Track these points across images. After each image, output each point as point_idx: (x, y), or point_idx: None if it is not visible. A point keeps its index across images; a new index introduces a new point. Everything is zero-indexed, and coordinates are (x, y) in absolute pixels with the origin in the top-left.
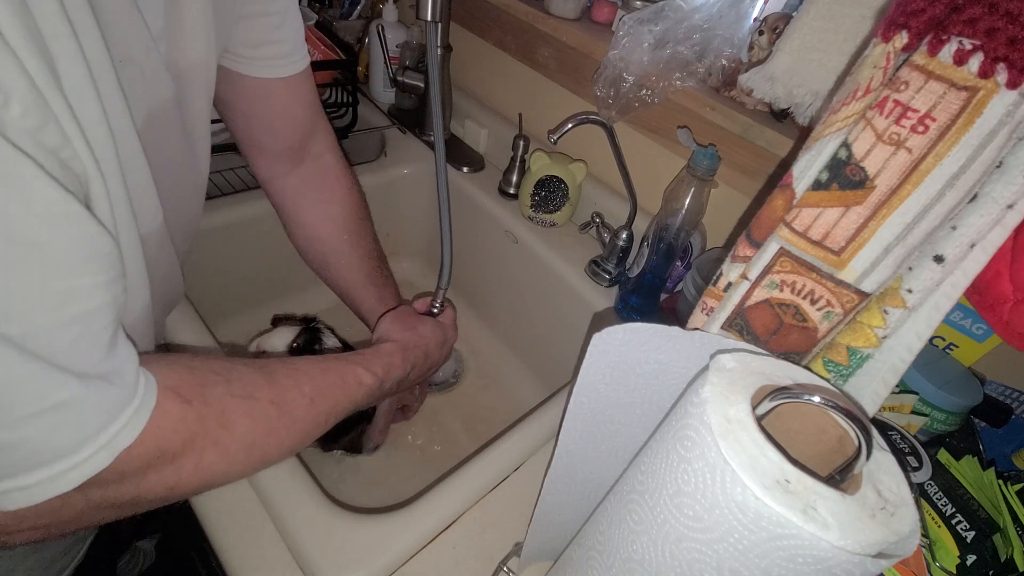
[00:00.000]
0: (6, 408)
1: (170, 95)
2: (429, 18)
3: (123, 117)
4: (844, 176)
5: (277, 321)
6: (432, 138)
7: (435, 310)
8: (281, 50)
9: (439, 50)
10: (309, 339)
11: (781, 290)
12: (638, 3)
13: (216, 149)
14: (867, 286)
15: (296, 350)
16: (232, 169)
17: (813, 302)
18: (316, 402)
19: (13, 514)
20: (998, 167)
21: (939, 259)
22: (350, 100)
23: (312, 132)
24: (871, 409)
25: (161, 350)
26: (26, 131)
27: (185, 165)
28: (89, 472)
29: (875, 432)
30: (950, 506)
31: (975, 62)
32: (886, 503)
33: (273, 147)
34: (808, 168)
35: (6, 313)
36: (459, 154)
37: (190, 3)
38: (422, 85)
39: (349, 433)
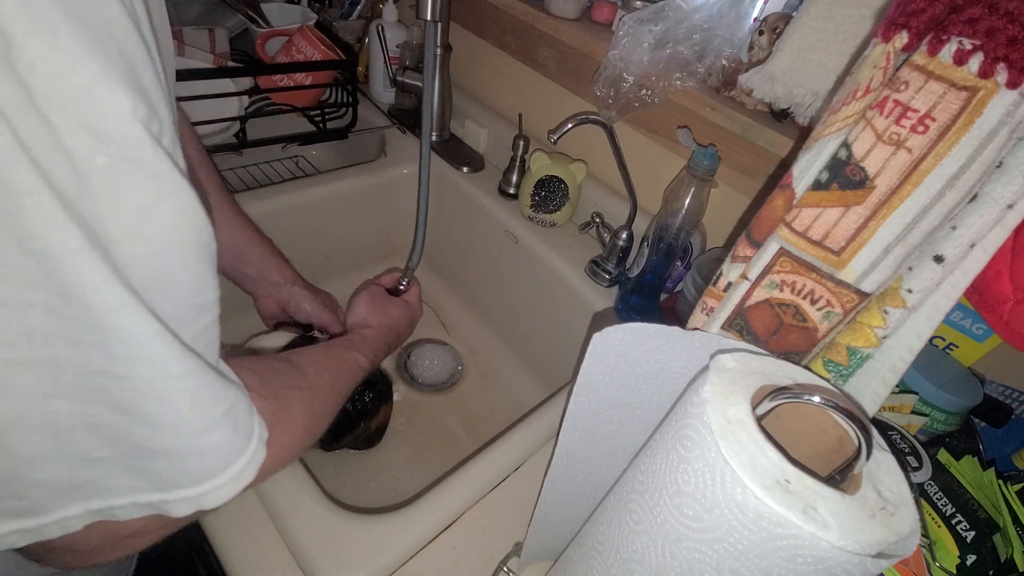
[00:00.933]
0: (207, 410)
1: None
2: (429, 17)
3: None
4: (844, 176)
5: (279, 325)
6: (432, 137)
7: (401, 287)
8: None
9: (439, 50)
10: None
11: (781, 290)
12: (638, 3)
13: (215, 149)
14: (867, 286)
15: None
16: (232, 169)
17: (813, 302)
18: (334, 386)
19: (141, 523)
20: (998, 167)
21: (939, 259)
22: (350, 100)
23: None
24: (871, 409)
25: None
26: (170, 156)
27: None
28: (258, 463)
29: (875, 432)
30: (950, 506)
31: (975, 62)
32: (886, 503)
33: None
34: (808, 168)
35: (186, 322)
36: (459, 154)
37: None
38: (422, 85)
39: (353, 431)
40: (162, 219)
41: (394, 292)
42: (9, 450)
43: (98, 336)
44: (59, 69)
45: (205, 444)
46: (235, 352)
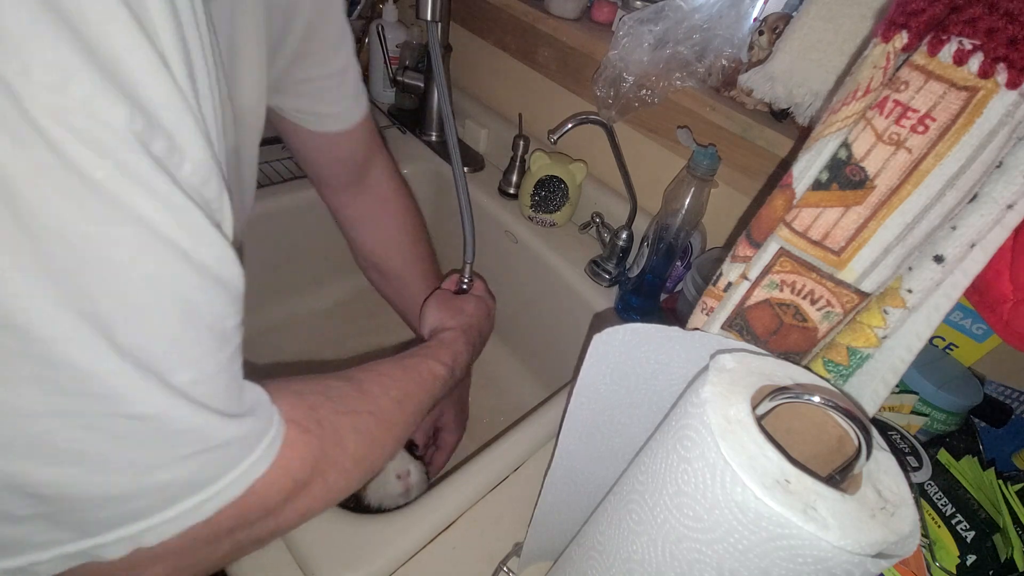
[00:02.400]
0: (164, 453)
1: (232, 140)
2: (429, 18)
3: (225, 150)
4: (844, 176)
5: None
6: (432, 138)
7: (464, 285)
8: (339, 108)
9: (441, 49)
10: None
11: (781, 290)
12: (638, 3)
13: None
14: (867, 286)
15: None
16: None
17: (813, 302)
18: (404, 404)
19: (165, 560)
20: (998, 167)
21: (939, 259)
22: None
23: (369, 166)
24: (871, 409)
25: None
26: (192, 187)
27: (239, 209)
28: (223, 501)
29: (875, 432)
30: (950, 506)
31: (975, 62)
32: (886, 503)
33: (335, 183)
34: (808, 168)
35: (183, 362)
36: (459, 154)
37: (245, 51)
38: (422, 85)
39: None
40: (151, 250)
41: (459, 292)
42: None
43: (46, 369)
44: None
45: (167, 478)
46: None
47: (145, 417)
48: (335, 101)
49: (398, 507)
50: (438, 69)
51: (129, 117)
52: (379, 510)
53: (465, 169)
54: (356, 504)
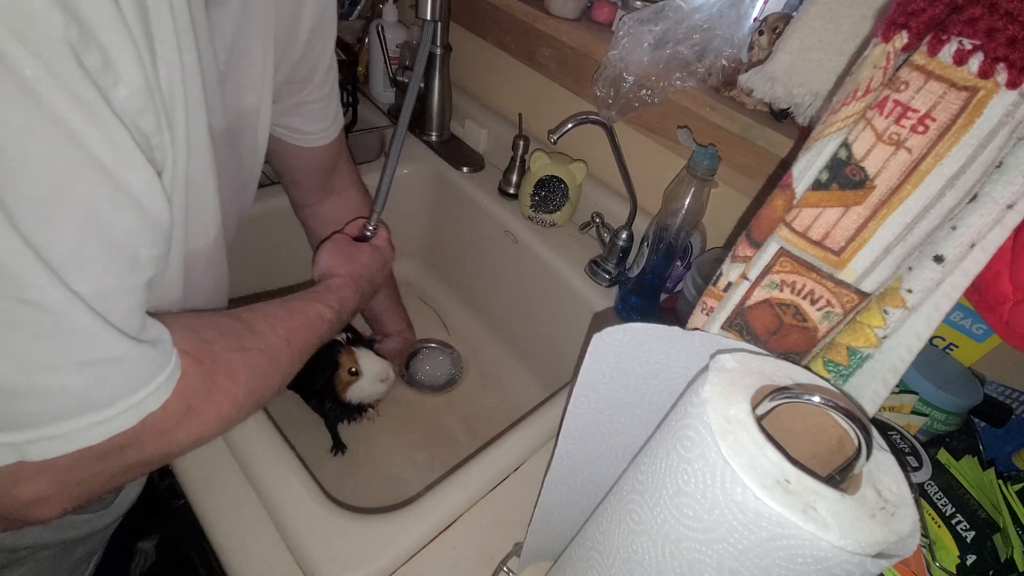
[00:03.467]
0: (56, 352)
1: (222, 127)
2: (428, 17)
3: (201, 132)
4: (844, 176)
5: None
6: (432, 138)
7: (368, 232)
8: (323, 126)
9: (439, 49)
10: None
11: (781, 290)
12: (638, 3)
13: None
14: (867, 286)
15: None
16: None
17: (813, 302)
18: (291, 343)
19: (49, 474)
20: (998, 167)
21: (939, 259)
22: (350, 100)
23: (336, 172)
24: (871, 409)
25: None
26: (127, 112)
27: (232, 201)
28: (116, 429)
29: (875, 432)
30: (950, 506)
31: (975, 62)
32: (886, 503)
33: (306, 186)
34: (808, 168)
35: (85, 271)
36: (459, 154)
37: (250, 55)
38: (422, 85)
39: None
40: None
41: (361, 239)
42: None
43: None
44: None
45: (51, 384)
46: None
47: (41, 306)
48: (320, 120)
49: (377, 401)
50: (420, 63)
51: (64, 25)
52: (359, 407)
53: (465, 169)
54: (336, 404)
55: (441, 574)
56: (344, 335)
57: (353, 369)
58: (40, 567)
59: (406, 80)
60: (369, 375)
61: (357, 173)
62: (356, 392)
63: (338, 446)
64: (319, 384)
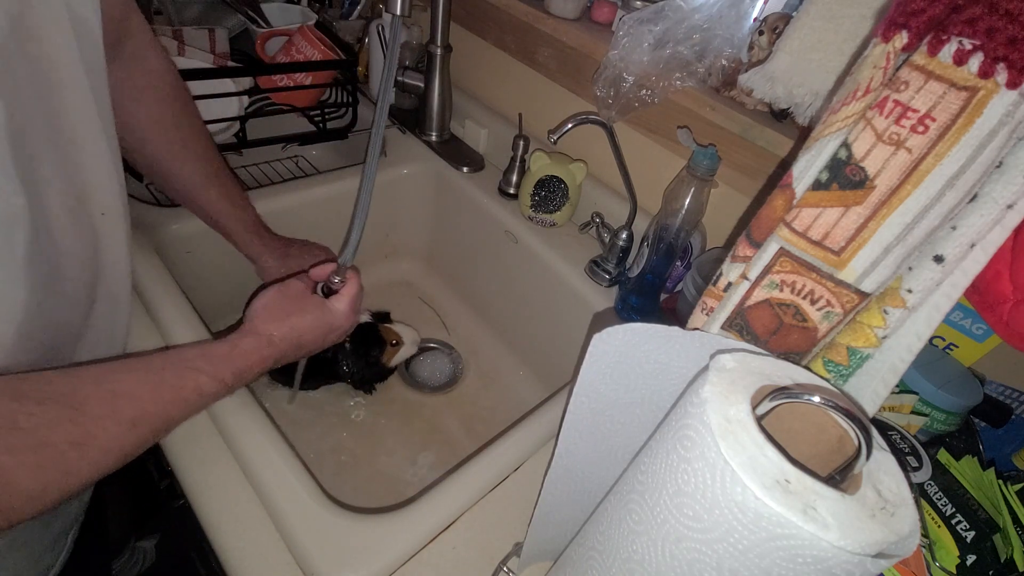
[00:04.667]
0: None
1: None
2: (398, 12)
3: None
4: (844, 176)
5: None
6: (432, 138)
7: (334, 284)
8: None
9: (439, 49)
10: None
11: (781, 290)
12: (638, 3)
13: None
14: (867, 286)
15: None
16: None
17: (813, 302)
18: (139, 425)
19: None
20: (998, 167)
21: (939, 259)
22: (350, 100)
23: (123, 29)
24: (871, 409)
25: None
26: None
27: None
28: None
29: (875, 432)
30: (950, 506)
31: (975, 62)
32: (886, 503)
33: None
34: (808, 168)
35: None
36: (459, 154)
37: None
38: (422, 85)
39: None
40: None
41: (326, 290)
42: None
43: None
44: None
45: None
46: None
47: None
48: None
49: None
50: (391, 61)
51: None
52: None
53: (465, 169)
54: (378, 372)
55: (441, 574)
56: (365, 313)
57: (395, 341)
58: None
59: (406, 80)
60: (408, 341)
61: (155, 39)
62: (399, 358)
63: (369, 388)
64: (372, 360)
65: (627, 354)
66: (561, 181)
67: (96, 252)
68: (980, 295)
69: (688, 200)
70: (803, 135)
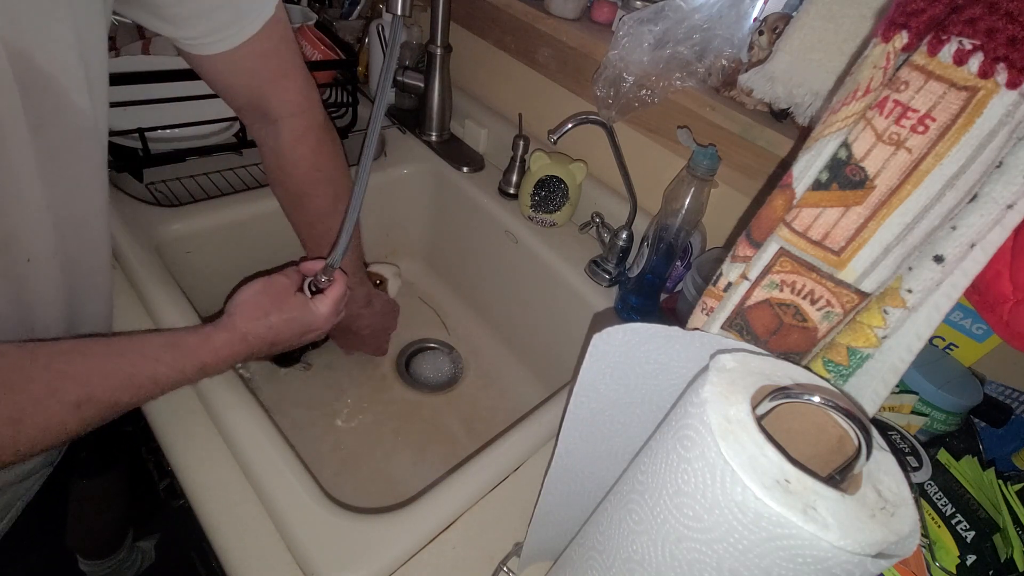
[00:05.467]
0: None
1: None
2: (399, 12)
3: None
4: (844, 176)
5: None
6: (432, 138)
7: (321, 283)
8: (210, 26)
9: (439, 49)
10: None
11: (781, 290)
12: (638, 3)
13: (215, 149)
14: (867, 286)
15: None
16: (232, 169)
17: (813, 302)
18: (83, 408)
19: None
20: (998, 167)
21: (939, 259)
22: (350, 100)
23: (264, 98)
24: (871, 409)
25: None
26: None
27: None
28: None
29: (875, 432)
30: (950, 506)
31: (975, 62)
32: (886, 503)
33: (236, 109)
34: (808, 168)
35: None
36: (459, 154)
37: None
38: (422, 85)
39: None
40: None
41: (313, 287)
42: None
43: None
44: None
45: None
46: None
47: None
48: (194, 22)
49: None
50: (390, 60)
51: None
52: None
53: (465, 169)
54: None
55: (441, 574)
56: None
57: (379, 281)
58: None
59: (407, 80)
60: (391, 275)
61: (310, 97)
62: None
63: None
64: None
65: (627, 354)
66: (561, 181)
67: (17, 299)
68: (980, 295)
69: (688, 200)
70: (803, 135)
